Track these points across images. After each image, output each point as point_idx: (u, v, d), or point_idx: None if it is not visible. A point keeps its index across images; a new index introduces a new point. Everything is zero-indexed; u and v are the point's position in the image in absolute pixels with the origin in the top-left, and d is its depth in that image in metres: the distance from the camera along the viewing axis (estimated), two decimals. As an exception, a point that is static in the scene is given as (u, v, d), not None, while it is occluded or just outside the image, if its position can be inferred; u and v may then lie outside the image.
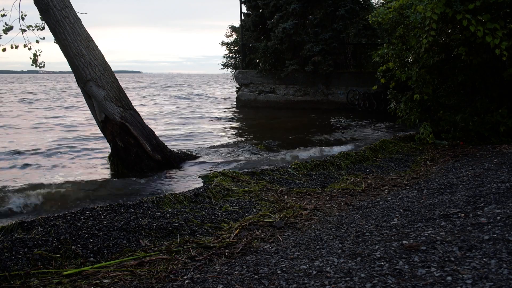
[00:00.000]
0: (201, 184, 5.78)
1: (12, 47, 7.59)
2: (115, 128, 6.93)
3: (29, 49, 7.73)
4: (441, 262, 2.47)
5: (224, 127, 13.53)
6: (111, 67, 7.08)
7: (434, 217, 3.41)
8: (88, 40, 6.75)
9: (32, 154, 9.07)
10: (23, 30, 7.58)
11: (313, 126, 13.30)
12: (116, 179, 6.98)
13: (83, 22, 6.81)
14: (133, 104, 7.32)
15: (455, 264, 2.42)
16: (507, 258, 2.41)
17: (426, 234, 2.97)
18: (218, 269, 2.76)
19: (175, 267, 2.90)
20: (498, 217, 3.10)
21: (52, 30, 6.67)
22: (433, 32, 6.77)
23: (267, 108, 18.34)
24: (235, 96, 21.65)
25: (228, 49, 24.47)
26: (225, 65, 24.40)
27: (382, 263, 2.55)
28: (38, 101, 24.90)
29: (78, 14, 6.81)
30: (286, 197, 4.73)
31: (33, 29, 7.64)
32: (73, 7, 6.76)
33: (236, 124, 14.72)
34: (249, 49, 19.62)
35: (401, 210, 3.80)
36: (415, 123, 8.55)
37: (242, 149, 9.38)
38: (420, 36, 7.52)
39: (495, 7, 6.69)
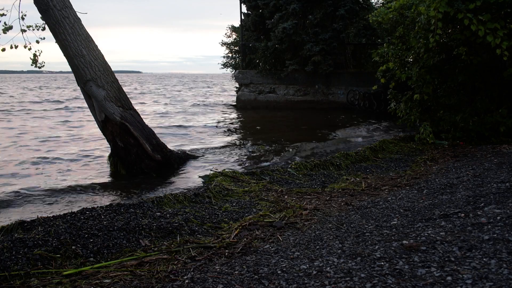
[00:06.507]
0: (201, 184, 5.78)
1: (12, 47, 7.59)
2: (115, 128, 6.93)
3: (29, 49, 7.73)
4: (441, 262, 2.47)
5: (224, 127, 13.53)
6: (111, 67, 7.08)
7: (434, 217, 3.41)
8: (88, 40, 6.75)
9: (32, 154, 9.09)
10: (23, 30, 7.58)
11: (313, 126, 13.30)
12: (116, 179, 6.99)
13: (83, 22, 6.83)
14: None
15: (455, 264, 2.42)
16: (507, 258, 2.41)
17: (426, 234, 2.97)
18: (218, 269, 2.76)
19: (175, 267, 2.90)
20: (498, 217, 3.10)
21: (52, 30, 6.66)
22: (439, 30, 6.77)
23: (267, 108, 18.33)
24: (235, 96, 21.66)
25: (228, 49, 24.46)
26: (225, 65, 24.39)
27: (382, 263, 2.55)
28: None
29: (78, 14, 6.82)
30: (286, 197, 4.73)
31: (33, 29, 7.64)
32: (73, 7, 6.77)
33: (236, 124, 14.72)
34: (249, 49, 19.60)
35: (401, 210, 3.80)
36: (415, 123, 8.55)
37: (242, 149, 9.38)
38: (420, 36, 7.52)
39: (496, 7, 6.70)
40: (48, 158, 8.75)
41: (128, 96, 7.52)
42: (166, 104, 23.82)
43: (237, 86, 21.12)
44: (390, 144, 7.89)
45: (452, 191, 4.23)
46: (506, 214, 3.15)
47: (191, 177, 6.89)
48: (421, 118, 8.35)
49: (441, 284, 2.20)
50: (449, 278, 2.25)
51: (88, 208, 4.11)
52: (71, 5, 6.73)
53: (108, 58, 7.10)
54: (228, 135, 11.95)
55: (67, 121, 15.21)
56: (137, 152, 7.06)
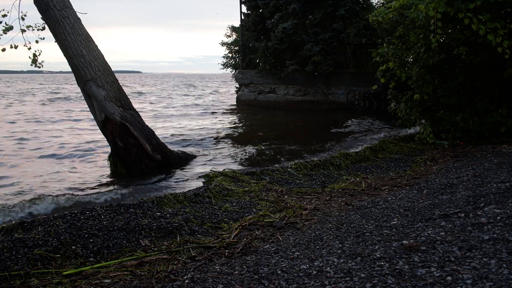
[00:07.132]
0: (201, 184, 5.77)
1: (11, 47, 7.58)
2: (115, 128, 6.93)
3: (29, 49, 7.72)
4: (441, 262, 2.47)
5: (224, 128, 13.52)
6: (111, 67, 7.08)
7: (434, 217, 3.41)
8: (88, 40, 6.75)
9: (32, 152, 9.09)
10: (23, 30, 7.57)
11: (314, 126, 13.30)
12: (116, 179, 6.98)
13: (83, 22, 6.83)
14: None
15: (455, 264, 2.42)
16: (507, 258, 2.41)
17: (426, 234, 2.97)
18: (218, 269, 2.76)
19: (175, 267, 2.90)
20: (498, 217, 3.10)
21: (52, 30, 6.67)
22: (440, 30, 6.77)
23: (267, 108, 18.33)
24: (235, 96, 21.66)
25: (228, 49, 24.46)
26: (225, 65, 24.39)
27: (382, 263, 2.55)
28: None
29: (78, 14, 6.82)
30: (286, 197, 4.73)
31: (33, 29, 7.63)
32: (73, 7, 6.77)
33: (236, 125, 14.72)
34: (249, 49, 19.60)
35: (401, 210, 3.80)
36: (415, 123, 8.54)
37: (242, 150, 9.38)
38: (420, 34, 7.51)
39: (496, 6, 6.70)
40: (47, 158, 8.75)
41: (128, 96, 7.52)
42: (165, 104, 23.81)
43: (237, 86, 21.12)
44: (390, 144, 7.89)
45: (452, 191, 4.23)
46: (506, 214, 3.15)
47: (191, 177, 6.89)
48: (421, 118, 8.35)
49: (441, 284, 2.20)
50: (449, 278, 2.25)
51: (88, 208, 4.11)
52: (71, 5, 6.73)
53: (108, 58, 7.12)
54: (228, 136, 11.94)
55: (66, 120, 15.21)
56: (137, 152, 7.06)
